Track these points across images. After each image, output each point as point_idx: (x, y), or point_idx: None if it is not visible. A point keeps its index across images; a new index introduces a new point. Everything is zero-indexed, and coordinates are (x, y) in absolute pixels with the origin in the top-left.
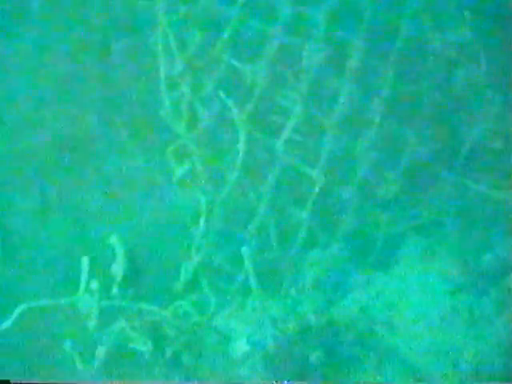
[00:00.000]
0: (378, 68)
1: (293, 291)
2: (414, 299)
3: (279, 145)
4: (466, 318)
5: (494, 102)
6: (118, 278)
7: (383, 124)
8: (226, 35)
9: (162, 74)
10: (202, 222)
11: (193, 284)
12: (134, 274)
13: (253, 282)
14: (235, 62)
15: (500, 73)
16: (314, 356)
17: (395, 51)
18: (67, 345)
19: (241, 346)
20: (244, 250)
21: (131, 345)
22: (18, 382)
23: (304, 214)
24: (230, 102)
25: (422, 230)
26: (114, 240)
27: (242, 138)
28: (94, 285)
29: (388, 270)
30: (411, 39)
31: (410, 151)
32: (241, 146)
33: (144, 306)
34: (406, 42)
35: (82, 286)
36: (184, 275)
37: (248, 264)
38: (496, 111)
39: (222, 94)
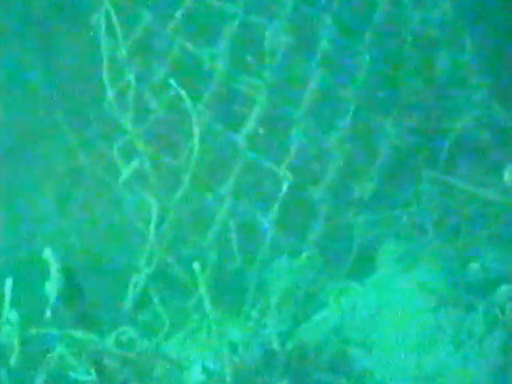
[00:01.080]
0: (352, 50)
1: (256, 311)
2: (392, 315)
3: (241, 139)
4: (452, 336)
5: (480, 88)
6: (52, 300)
7: (358, 114)
8: (178, 14)
9: (105, 59)
10: (152, 228)
11: (142, 301)
12: (71, 293)
13: (207, 302)
14: (190, 45)
15: (487, 55)
16: None
17: (371, 31)
18: None
19: (195, 376)
20: (196, 265)
21: (72, 374)
22: None
23: (269, 218)
24: (183, 91)
25: (401, 235)
26: (47, 254)
27: (198, 131)
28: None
29: (364, 279)
30: (388, 17)
31: (387, 144)
32: (196, 142)
33: (81, 334)
34: (383, 20)
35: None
36: (132, 291)
37: (202, 282)
38: (483, 98)
39: (173, 81)
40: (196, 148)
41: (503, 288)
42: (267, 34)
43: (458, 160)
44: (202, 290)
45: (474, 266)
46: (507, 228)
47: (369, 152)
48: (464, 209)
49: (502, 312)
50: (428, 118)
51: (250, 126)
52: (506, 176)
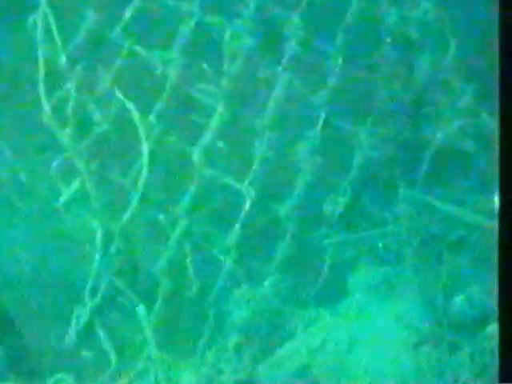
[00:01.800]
0: (323, 52)
1: (212, 353)
2: (365, 352)
3: (198, 153)
4: (433, 379)
5: (464, 94)
6: None
7: (329, 122)
8: (127, 15)
9: (42, 67)
10: (97, 256)
11: (85, 338)
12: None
13: (153, 347)
14: (140, 49)
15: (473, 57)
16: None
17: (344, 30)
18: None
19: None
20: (140, 309)
21: None
22: None
23: (230, 241)
24: (130, 103)
25: (375, 257)
26: None
27: (148, 147)
28: None
29: (335, 308)
30: (363, 16)
31: (361, 156)
32: (145, 159)
33: None
34: (357, 19)
35: None
36: (74, 327)
37: (146, 327)
38: (468, 104)
39: (119, 92)
40: (146, 164)
41: (492, 327)
42: (227, 35)
43: (439, 174)
44: (148, 333)
45: (459, 299)
46: (494, 255)
47: (341, 164)
48: (446, 233)
49: (492, 354)
50: (407, 126)
51: (207, 138)
52: (497, 200)
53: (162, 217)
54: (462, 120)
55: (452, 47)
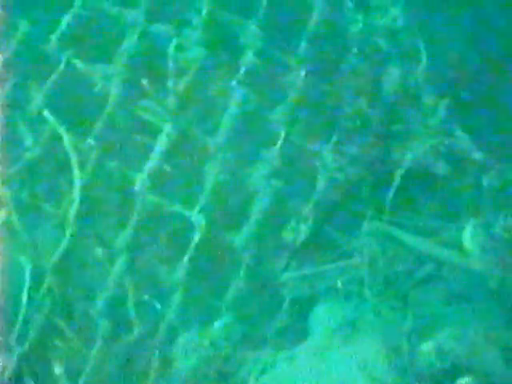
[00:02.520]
0: (283, 64)
1: None
2: None
3: (142, 178)
4: None
5: (436, 110)
6: None
7: (290, 141)
8: (64, 24)
9: None
10: (24, 298)
11: None
12: None
13: None
14: (78, 62)
15: (445, 70)
16: None
17: (306, 40)
18: None
19: None
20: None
21: None
22: None
23: (177, 276)
24: (63, 125)
25: (338, 295)
26: None
27: (82, 174)
28: None
29: (293, 352)
30: (327, 24)
31: (325, 178)
32: (79, 186)
33: None
34: (320, 28)
35: None
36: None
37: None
38: (441, 122)
39: (47, 112)
40: (78, 196)
41: (463, 380)
42: (175, 46)
43: (409, 199)
44: None
45: (426, 346)
46: (466, 297)
47: (302, 188)
48: (413, 269)
49: None
50: (374, 146)
51: (153, 161)
52: (467, 237)
53: (99, 250)
54: (435, 139)
55: (423, 58)
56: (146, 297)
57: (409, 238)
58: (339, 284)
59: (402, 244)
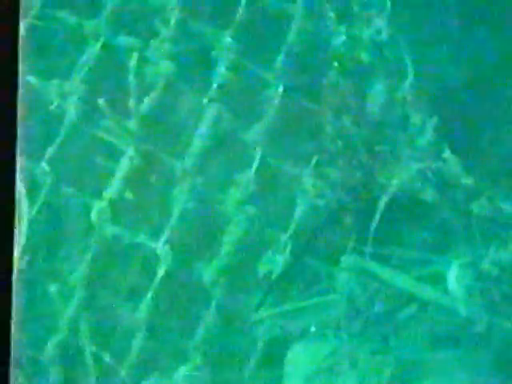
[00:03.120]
0: (259, 78)
1: None
2: None
3: (99, 207)
4: None
5: (424, 131)
6: None
7: (266, 163)
8: (21, 33)
9: None
10: None
11: None
12: None
13: None
14: (32, 79)
15: (433, 86)
16: None
17: (284, 53)
18: None
19: None
20: None
21: None
22: None
23: (139, 316)
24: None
25: (316, 335)
26: None
27: (35, 202)
28: None
29: None
30: (306, 36)
31: (304, 204)
32: (26, 218)
33: None
34: (300, 39)
35: None
36: None
37: None
38: (429, 143)
39: None
40: (26, 224)
41: None
42: (140, 59)
43: (394, 227)
44: None
45: None
46: (452, 341)
47: (279, 214)
48: (395, 310)
49: None
50: (357, 169)
51: (113, 188)
52: (452, 279)
53: (53, 289)
54: (422, 162)
55: (410, 74)
56: (103, 339)
57: (391, 276)
58: (313, 328)
59: (384, 282)
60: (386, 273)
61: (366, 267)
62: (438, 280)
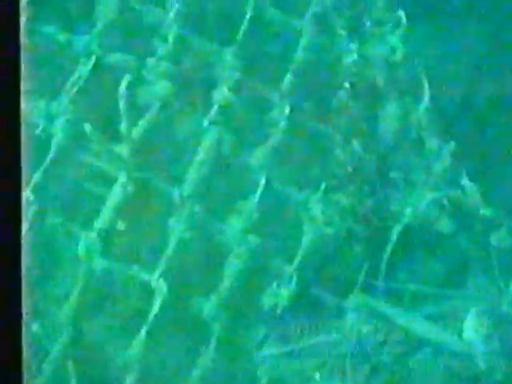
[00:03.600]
0: (264, 99)
1: None
2: None
3: (89, 238)
4: None
5: (440, 156)
6: None
7: (271, 189)
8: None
9: None
10: None
11: None
12: None
13: None
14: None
15: (450, 109)
16: None
17: (291, 72)
18: None
19: None
20: None
21: None
22: None
23: (133, 353)
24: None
25: (321, 377)
26: None
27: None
28: None
29: None
30: (316, 54)
31: (312, 233)
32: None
33: None
34: (308, 57)
35: None
36: None
37: None
38: (445, 169)
39: None
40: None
41: None
42: (134, 79)
43: (407, 260)
44: None
45: None
46: None
47: (285, 244)
48: (408, 355)
49: None
50: (368, 196)
51: (104, 217)
52: (468, 326)
53: (36, 328)
54: (438, 190)
55: (426, 95)
56: (93, 381)
57: (403, 316)
58: (317, 375)
59: (394, 323)
60: (397, 313)
61: (375, 307)
62: (454, 319)
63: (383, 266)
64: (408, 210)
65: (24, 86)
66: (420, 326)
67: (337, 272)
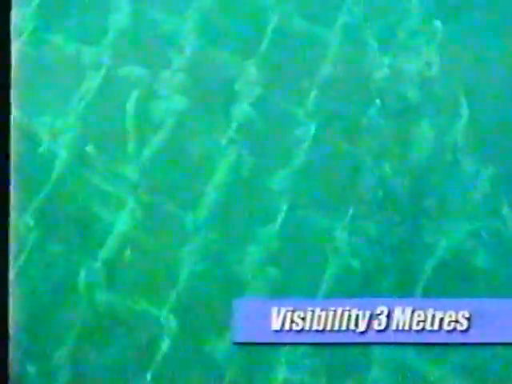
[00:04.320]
0: (288, 117)
1: None
2: None
3: (91, 268)
4: None
5: (478, 182)
6: None
7: (293, 216)
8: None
9: None
10: None
11: None
12: None
13: None
14: (19, 115)
15: (489, 129)
16: None
17: (318, 87)
18: None
19: None
20: None
21: None
22: None
23: None
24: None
25: None
26: None
27: (17, 261)
28: None
29: None
30: (345, 67)
31: (336, 266)
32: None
33: None
34: (335, 70)
35: None
36: None
37: None
38: (482, 197)
39: None
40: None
41: None
42: (150, 94)
43: (441, 296)
44: None
45: None
46: None
47: (306, 278)
48: None
49: None
50: (399, 225)
51: (110, 245)
52: None
53: (32, 370)
54: (475, 220)
55: (464, 114)
56: None
57: (431, 369)
58: None
59: (423, 377)
60: (424, 366)
61: (403, 361)
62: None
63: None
64: (442, 242)
65: (28, 100)
66: (450, 381)
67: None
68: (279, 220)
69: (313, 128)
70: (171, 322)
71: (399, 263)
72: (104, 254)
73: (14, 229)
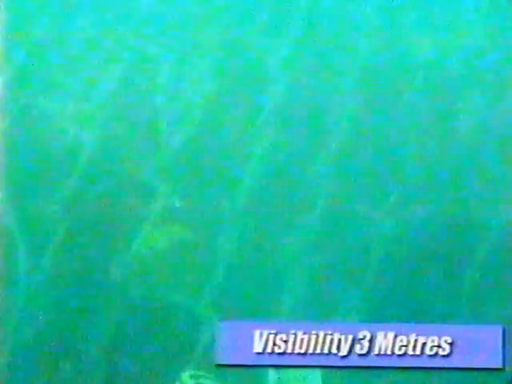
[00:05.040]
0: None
1: None
2: None
3: (122, 261)
4: None
5: None
6: None
7: (333, 203)
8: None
9: None
10: None
11: None
12: None
13: None
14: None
15: None
16: None
17: (356, 67)
18: None
19: None
20: None
21: None
22: None
23: None
24: None
25: None
26: None
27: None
28: None
29: None
30: (382, 40)
31: (378, 253)
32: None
33: None
34: (374, 44)
35: None
36: None
37: None
38: None
39: None
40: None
41: None
42: (183, 77)
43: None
44: None
45: None
46: None
47: (348, 265)
48: None
49: None
50: (447, 209)
51: (142, 236)
52: None
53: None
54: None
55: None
56: None
57: None
58: None
59: None
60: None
61: None
62: None
63: (466, 292)
64: (495, 222)
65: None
66: None
67: (410, 296)
68: (319, 207)
69: (352, 109)
70: (208, 314)
71: (447, 248)
72: (136, 245)
73: (40, 221)
